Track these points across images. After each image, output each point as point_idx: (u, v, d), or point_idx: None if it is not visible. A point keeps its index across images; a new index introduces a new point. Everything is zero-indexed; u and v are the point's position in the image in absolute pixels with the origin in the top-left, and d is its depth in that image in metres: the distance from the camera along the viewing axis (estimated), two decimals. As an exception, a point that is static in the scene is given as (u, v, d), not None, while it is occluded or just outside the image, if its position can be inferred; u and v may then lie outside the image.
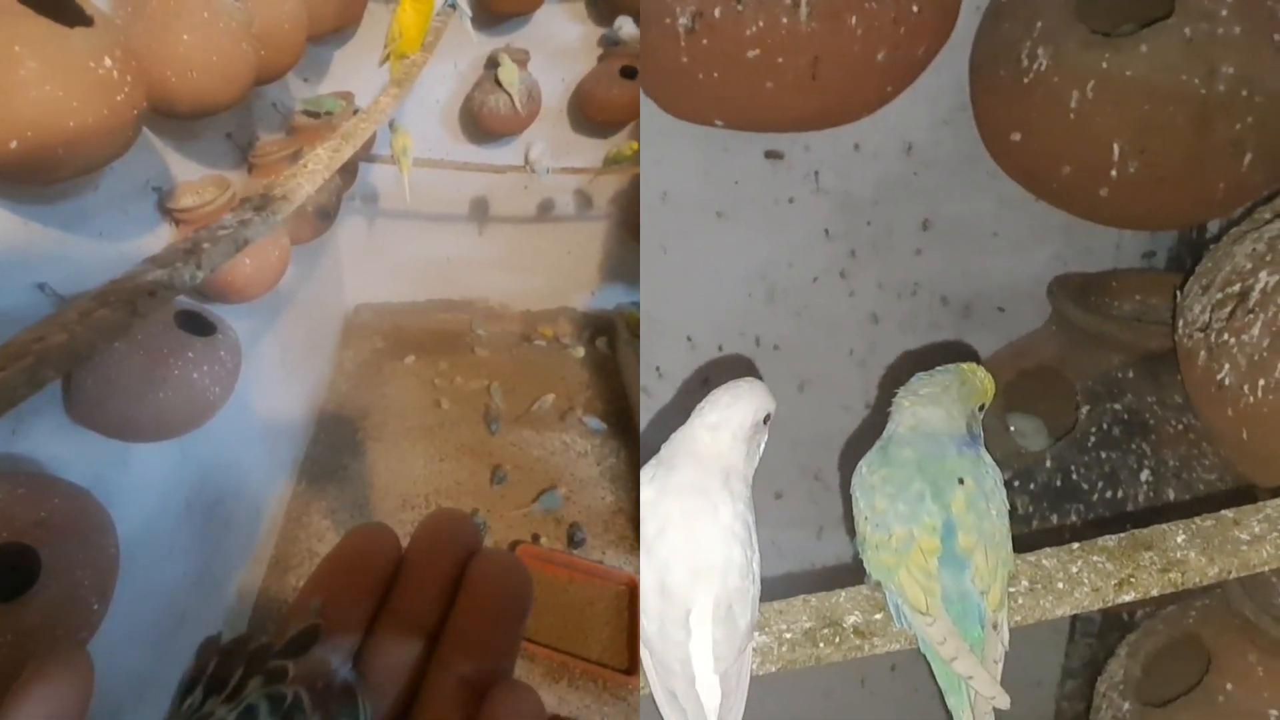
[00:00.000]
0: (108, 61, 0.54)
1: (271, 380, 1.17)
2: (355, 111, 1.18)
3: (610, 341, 1.54)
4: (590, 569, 1.03)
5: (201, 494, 0.91)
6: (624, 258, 1.55)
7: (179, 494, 0.86)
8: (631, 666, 0.90)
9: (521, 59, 1.27)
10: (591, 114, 1.34)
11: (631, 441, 1.28)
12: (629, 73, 1.27)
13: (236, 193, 0.91)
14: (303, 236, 1.15)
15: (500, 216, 1.57)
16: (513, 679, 0.24)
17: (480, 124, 1.35)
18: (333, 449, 1.29)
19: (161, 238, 0.85)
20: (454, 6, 0.79)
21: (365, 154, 1.29)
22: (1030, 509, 0.86)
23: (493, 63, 1.27)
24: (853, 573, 0.54)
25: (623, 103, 1.30)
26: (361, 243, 1.53)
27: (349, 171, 1.30)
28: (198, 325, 0.70)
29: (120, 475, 0.73)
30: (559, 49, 1.34)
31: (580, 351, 1.53)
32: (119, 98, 0.55)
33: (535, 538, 1.07)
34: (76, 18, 0.55)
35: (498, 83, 1.25)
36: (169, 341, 0.65)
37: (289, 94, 1.25)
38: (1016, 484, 0.86)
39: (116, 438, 0.66)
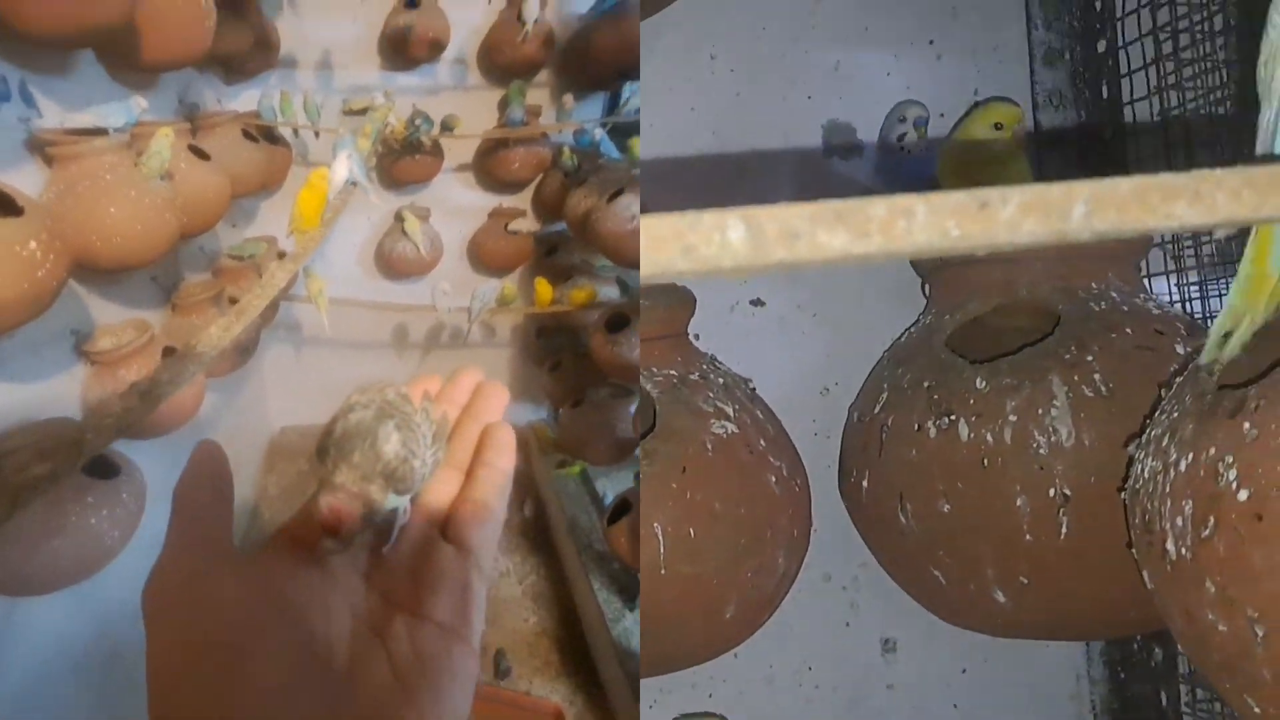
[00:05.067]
0: (33, 244, 0.58)
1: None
2: (280, 255, 1.24)
3: (525, 456, 1.55)
4: (517, 701, 0.93)
5: (97, 648, 0.78)
6: (527, 379, 1.59)
7: (70, 650, 0.73)
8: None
9: (423, 215, 1.38)
10: (485, 261, 1.45)
11: (552, 558, 1.24)
12: (511, 230, 1.41)
13: (155, 335, 0.92)
14: (221, 371, 1.16)
15: (417, 343, 1.60)
16: None
17: (391, 266, 1.43)
18: (252, 583, 1.22)
19: (76, 380, 0.83)
20: (355, 184, 0.88)
21: (285, 295, 1.34)
22: None
23: (399, 218, 1.36)
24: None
25: (509, 252, 1.43)
26: (287, 367, 1.53)
27: (269, 309, 1.33)
28: (100, 467, 0.67)
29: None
30: (455, 208, 1.45)
31: (498, 467, 1.56)
32: (40, 274, 0.58)
33: (464, 672, 1.01)
34: (8, 209, 0.58)
35: (404, 233, 1.34)
36: (68, 486, 0.60)
37: (216, 238, 1.26)
38: None
39: (1, 594, 0.60)
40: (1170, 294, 0.76)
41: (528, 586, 1.18)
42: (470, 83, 1.39)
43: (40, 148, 0.76)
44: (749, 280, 0.79)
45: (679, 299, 0.69)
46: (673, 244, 0.23)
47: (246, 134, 1.18)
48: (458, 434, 0.28)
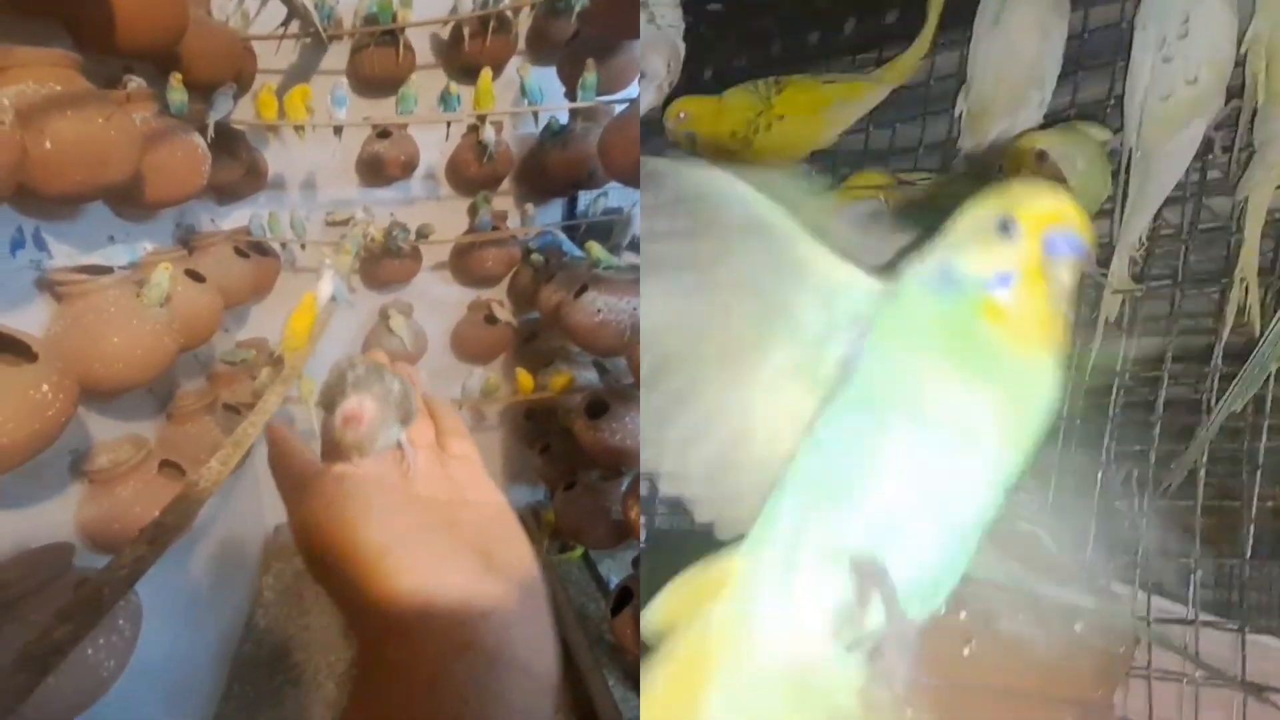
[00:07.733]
0: (45, 387, 0.63)
1: (180, 631, 1.05)
2: (270, 354, 1.28)
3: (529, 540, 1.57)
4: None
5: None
6: (520, 463, 1.61)
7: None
8: None
9: (406, 311, 1.43)
10: (466, 351, 1.50)
11: (563, 654, 1.22)
12: (491, 319, 1.47)
13: (152, 450, 0.95)
14: (216, 474, 1.19)
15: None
16: None
17: (379, 360, 1.48)
18: (248, 703, 1.13)
19: (71, 499, 0.85)
20: (337, 299, 0.95)
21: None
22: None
23: (384, 315, 1.43)
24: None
25: (489, 341, 1.47)
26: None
27: (262, 409, 1.38)
28: (97, 592, 0.65)
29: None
30: (435, 302, 1.51)
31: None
32: (50, 413, 0.63)
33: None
34: (25, 355, 0.64)
35: (390, 329, 1.40)
36: (60, 616, 0.57)
37: (210, 345, 1.30)
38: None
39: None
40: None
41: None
42: (442, 194, 1.49)
43: (50, 286, 0.82)
44: None
45: None
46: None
47: (238, 250, 1.26)
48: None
